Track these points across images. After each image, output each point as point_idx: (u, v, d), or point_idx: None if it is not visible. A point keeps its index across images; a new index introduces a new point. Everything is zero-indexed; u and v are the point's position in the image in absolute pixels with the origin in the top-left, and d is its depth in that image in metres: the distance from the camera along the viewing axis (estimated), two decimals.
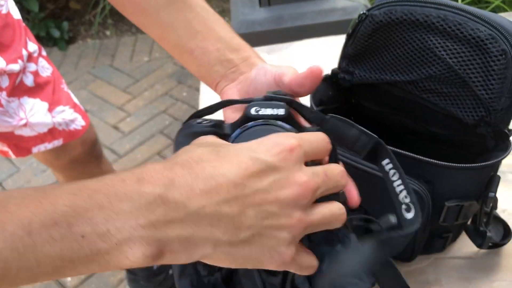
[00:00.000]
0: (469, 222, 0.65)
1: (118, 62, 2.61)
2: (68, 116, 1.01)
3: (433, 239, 0.64)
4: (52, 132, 0.99)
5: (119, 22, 2.91)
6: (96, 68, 2.58)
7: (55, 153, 1.05)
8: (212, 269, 0.58)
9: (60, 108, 0.99)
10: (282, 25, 1.51)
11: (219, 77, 0.52)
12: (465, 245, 0.68)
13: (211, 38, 0.52)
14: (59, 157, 1.07)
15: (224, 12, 2.74)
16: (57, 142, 1.01)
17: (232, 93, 0.51)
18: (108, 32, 2.86)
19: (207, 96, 1.02)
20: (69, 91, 1.05)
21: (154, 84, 2.43)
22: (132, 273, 1.42)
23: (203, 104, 1.00)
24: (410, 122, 0.66)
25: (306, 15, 1.51)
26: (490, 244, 0.64)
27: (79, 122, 1.04)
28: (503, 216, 0.70)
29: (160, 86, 2.41)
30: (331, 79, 0.69)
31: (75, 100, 1.06)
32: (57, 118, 0.98)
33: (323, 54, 1.08)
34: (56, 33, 2.72)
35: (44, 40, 2.76)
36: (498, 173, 0.61)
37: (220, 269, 0.58)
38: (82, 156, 1.10)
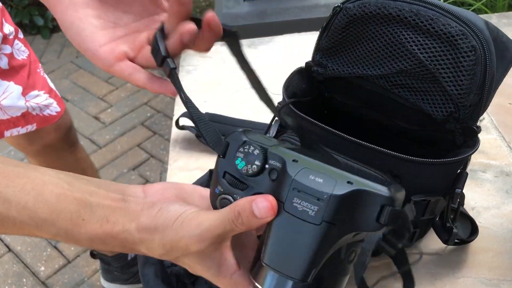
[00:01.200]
0: (437, 219, 0.65)
1: None
2: (42, 101, 0.99)
3: None
4: (26, 117, 0.97)
5: None
6: (79, 58, 2.55)
7: (28, 138, 1.04)
8: None
9: (34, 92, 0.97)
10: (265, 19, 1.50)
11: None
12: (432, 242, 0.69)
13: None
14: (32, 142, 1.06)
15: (210, 5, 2.72)
16: (30, 127, 0.99)
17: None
18: None
19: (184, 89, 1.01)
20: (46, 76, 1.04)
21: None
22: (106, 263, 1.40)
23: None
24: (380, 116, 0.66)
25: (290, 11, 1.50)
26: (456, 240, 0.64)
27: (54, 108, 1.02)
28: (472, 213, 0.71)
29: None
30: (305, 72, 0.68)
31: (52, 85, 1.04)
32: (31, 103, 0.96)
33: (304, 49, 1.08)
34: (39, 21, 2.67)
35: (28, 27, 2.72)
36: (469, 172, 0.61)
37: None
38: (56, 142, 1.09)
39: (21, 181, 0.36)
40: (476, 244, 0.67)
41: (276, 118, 0.67)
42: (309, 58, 0.68)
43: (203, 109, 0.90)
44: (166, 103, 2.23)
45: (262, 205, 0.36)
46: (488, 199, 0.74)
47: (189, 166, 0.84)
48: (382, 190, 0.36)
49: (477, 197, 0.75)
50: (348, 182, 0.35)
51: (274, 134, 0.67)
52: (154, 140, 2.06)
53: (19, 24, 2.67)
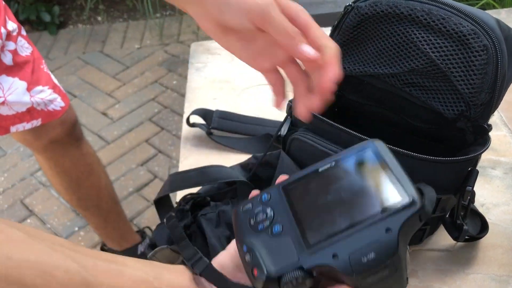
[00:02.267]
0: (447, 216, 0.66)
1: (108, 49, 2.59)
2: (47, 96, 1.00)
3: None
4: (31, 112, 0.98)
5: (111, 8, 2.88)
6: (86, 54, 2.56)
7: (34, 133, 1.05)
8: None
9: (39, 88, 0.98)
10: None
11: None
12: (442, 238, 0.69)
13: None
14: (38, 137, 1.07)
15: None
16: (36, 122, 1.00)
17: (203, 22, 0.48)
18: (99, 18, 2.84)
19: (194, 86, 1.02)
20: (49, 72, 1.05)
21: (144, 72, 2.41)
22: None
23: (189, 94, 1.00)
24: (392, 115, 0.67)
25: None
26: (466, 237, 0.65)
27: (58, 103, 1.03)
28: (481, 210, 0.71)
29: (150, 74, 2.40)
30: None
31: (55, 81, 1.05)
32: (36, 98, 0.97)
33: None
34: (46, 17, 2.69)
35: (34, 24, 2.73)
36: (479, 168, 0.61)
37: None
38: (62, 137, 1.10)
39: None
40: (486, 240, 0.68)
41: (288, 116, 0.67)
42: None
43: (212, 107, 0.91)
44: (173, 99, 2.24)
45: None
46: (498, 196, 0.75)
47: (199, 163, 0.84)
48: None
49: (486, 193, 0.75)
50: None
51: (285, 132, 0.67)
52: (162, 135, 2.07)
53: (26, 20, 2.68)
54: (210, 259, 0.45)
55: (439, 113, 0.61)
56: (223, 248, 0.47)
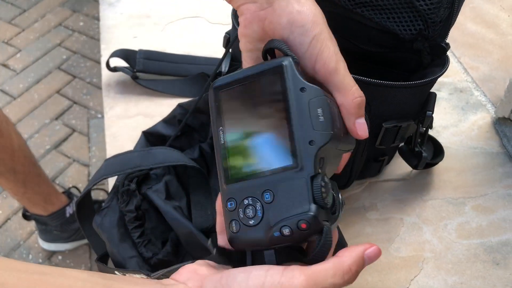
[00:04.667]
0: (403, 144, 0.63)
1: None
2: None
3: (369, 163, 0.61)
4: None
5: None
6: None
7: None
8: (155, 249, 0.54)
9: None
10: None
11: None
12: (397, 167, 0.67)
13: None
14: None
15: None
16: None
17: (252, 19, 0.37)
18: None
19: (109, 24, 0.89)
20: None
21: (45, 14, 2.15)
22: (42, 223, 1.30)
23: (105, 34, 0.88)
24: (341, 40, 0.60)
25: None
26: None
27: None
28: (432, 134, 0.69)
29: (52, 16, 2.15)
30: None
31: None
32: None
33: None
34: None
35: None
36: None
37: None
38: None
39: None
40: (439, 164, 0.66)
41: (228, 51, 0.59)
42: None
43: (134, 47, 0.80)
44: (83, 43, 2.03)
45: (374, 253, 0.32)
46: (445, 117, 0.73)
47: (128, 113, 0.75)
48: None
49: (434, 116, 0.73)
50: None
51: (227, 69, 0.59)
52: (75, 84, 1.89)
53: None
54: (173, 231, 0.37)
55: (394, 34, 0.56)
56: (185, 217, 0.39)
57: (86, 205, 0.58)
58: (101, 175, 0.55)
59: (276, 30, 0.36)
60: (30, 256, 1.41)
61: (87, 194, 0.57)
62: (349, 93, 0.36)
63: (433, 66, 0.56)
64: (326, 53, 0.36)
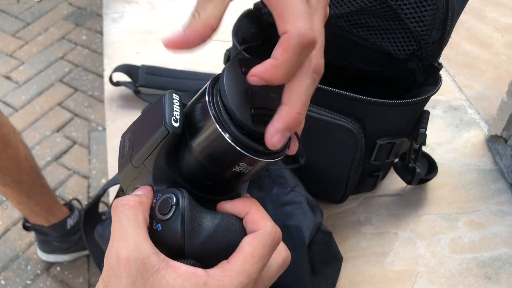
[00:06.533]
0: (398, 160, 0.64)
1: (3, 4, 2.30)
2: None
3: (364, 178, 0.63)
4: None
5: None
6: None
7: None
8: None
9: None
10: None
11: None
12: (392, 183, 0.69)
13: None
14: None
15: None
16: None
17: None
18: None
19: (112, 39, 0.91)
20: None
21: (48, 28, 2.18)
22: (43, 234, 1.31)
23: (108, 49, 0.90)
24: (336, 58, 0.63)
25: None
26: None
27: None
28: (426, 150, 0.71)
29: (55, 30, 2.18)
30: (254, 14, 0.63)
31: None
32: None
33: None
34: None
35: None
36: None
37: None
38: None
39: None
40: (433, 180, 0.68)
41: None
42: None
43: (136, 62, 0.82)
44: (85, 56, 2.06)
45: None
46: (440, 134, 0.75)
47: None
48: None
49: (429, 133, 0.74)
50: None
51: None
52: (76, 97, 1.91)
53: None
54: None
55: (388, 54, 0.58)
56: None
57: (93, 212, 0.59)
58: (114, 182, 0.56)
59: None
60: (29, 267, 1.41)
61: (96, 201, 0.58)
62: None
63: (426, 85, 0.58)
64: None
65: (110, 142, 0.74)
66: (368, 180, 0.64)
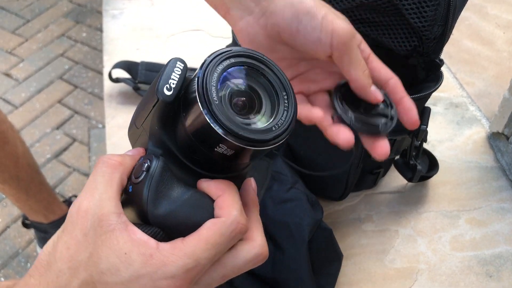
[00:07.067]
0: (398, 157, 0.64)
1: (3, 1, 2.30)
2: None
3: (364, 175, 0.63)
4: None
5: None
6: None
7: None
8: None
9: None
10: None
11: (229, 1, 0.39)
12: (393, 180, 0.68)
13: None
14: None
15: None
16: None
17: (254, 31, 0.38)
18: None
19: (112, 36, 0.91)
20: None
21: (48, 25, 2.18)
22: (42, 231, 1.31)
23: (108, 46, 0.89)
24: None
25: None
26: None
27: None
28: (427, 147, 0.71)
29: (55, 27, 2.17)
30: None
31: None
32: None
33: None
34: None
35: None
36: None
37: None
38: None
39: None
40: (434, 178, 0.67)
41: None
42: None
43: (136, 58, 0.82)
44: (85, 53, 2.05)
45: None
46: (441, 132, 0.75)
47: (129, 123, 0.76)
48: None
49: (430, 130, 0.74)
50: None
51: None
52: (76, 94, 1.90)
53: None
54: None
55: (389, 50, 0.57)
56: None
57: None
58: None
59: (282, 29, 0.37)
60: (29, 265, 1.41)
61: None
62: (360, 67, 0.38)
63: (427, 81, 0.57)
64: (341, 29, 0.36)
65: (110, 139, 0.74)
66: (368, 177, 0.64)
